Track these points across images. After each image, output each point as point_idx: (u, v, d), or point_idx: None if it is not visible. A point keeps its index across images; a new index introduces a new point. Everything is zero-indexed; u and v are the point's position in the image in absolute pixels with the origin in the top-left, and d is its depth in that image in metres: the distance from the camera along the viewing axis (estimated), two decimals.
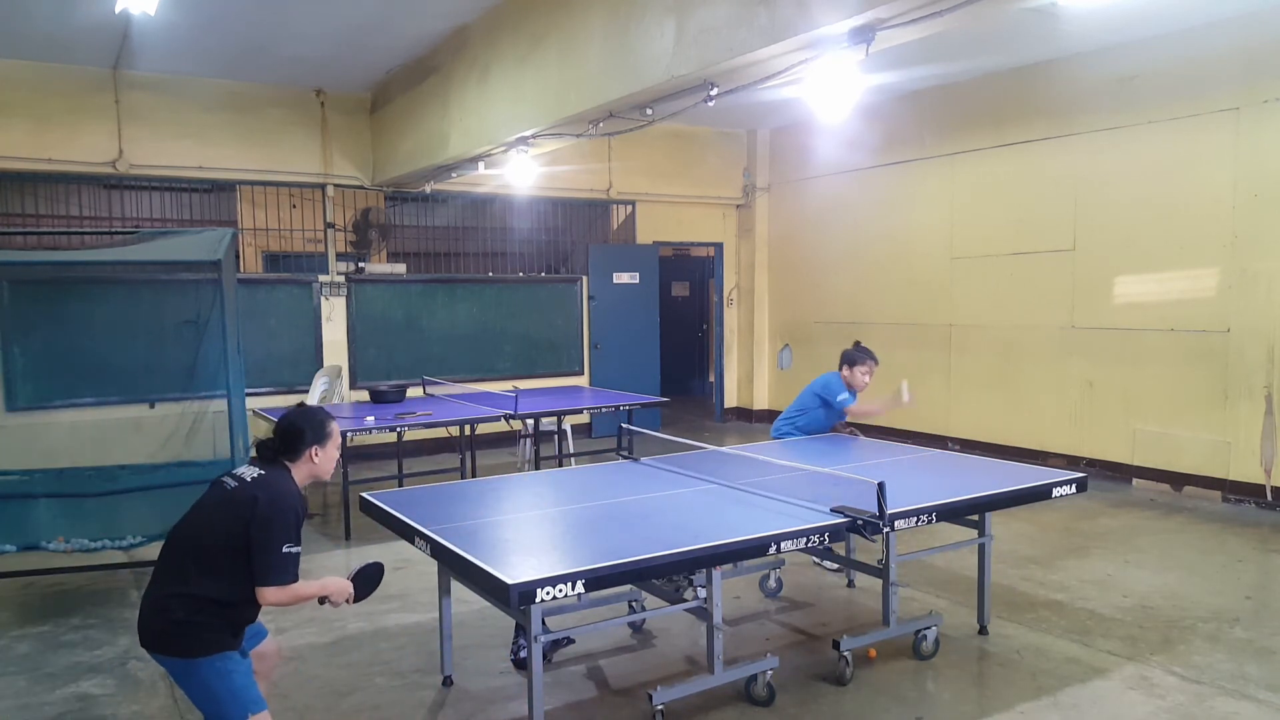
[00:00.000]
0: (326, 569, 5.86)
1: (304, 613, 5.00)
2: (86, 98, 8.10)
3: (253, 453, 2.96)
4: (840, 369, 5.70)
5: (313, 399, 8.35)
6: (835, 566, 5.55)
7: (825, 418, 5.76)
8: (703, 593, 3.77)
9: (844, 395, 5.63)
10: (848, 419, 5.92)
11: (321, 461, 3.04)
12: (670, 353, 12.39)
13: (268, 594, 2.77)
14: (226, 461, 5.61)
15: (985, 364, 8.92)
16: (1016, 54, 8.04)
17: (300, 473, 3.02)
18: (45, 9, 6.59)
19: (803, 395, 5.84)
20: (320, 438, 3.03)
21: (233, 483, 2.91)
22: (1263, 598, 5.08)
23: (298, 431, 3.00)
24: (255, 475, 2.91)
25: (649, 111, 5.73)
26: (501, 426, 7.98)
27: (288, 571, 2.78)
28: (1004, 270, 8.68)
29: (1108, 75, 7.70)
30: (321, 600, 2.98)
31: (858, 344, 5.83)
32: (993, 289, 8.80)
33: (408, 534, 3.66)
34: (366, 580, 3.07)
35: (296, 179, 9.14)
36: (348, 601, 3.01)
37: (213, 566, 2.77)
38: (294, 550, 2.80)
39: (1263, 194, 6.81)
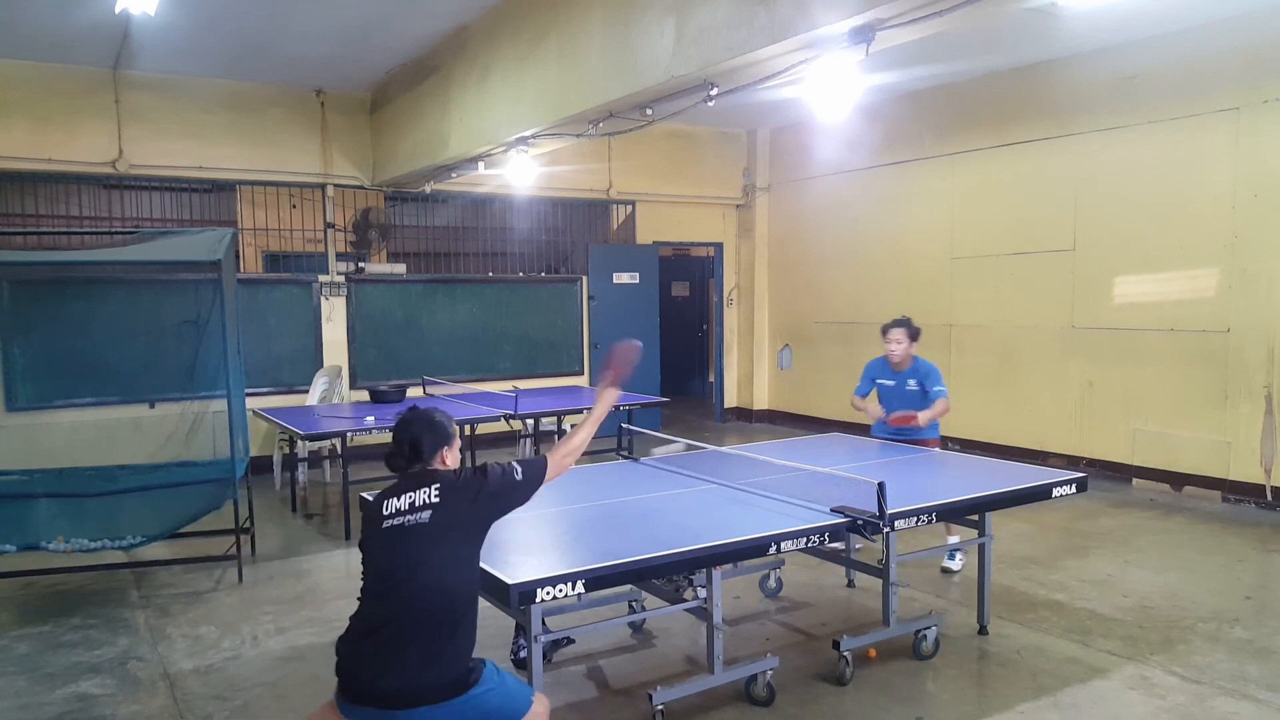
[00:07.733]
0: (326, 568, 5.87)
1: (304, 613, 5.00)
2: (86, 98, 8.10)
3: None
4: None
5: (312, 399, 8.36)
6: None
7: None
8: (703, 593, 3.77)
9: (862, 384, 5.70)
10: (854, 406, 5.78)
11: (451, 463, 2.92)
12: (670, 353, 12.37)
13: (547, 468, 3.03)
14: (226, 461, 5.63)
15: (985, 364, 8.92)
16: (1016, 54, 8.03)
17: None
18: (45, 9, 6.59)
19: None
20: (446, 439, 2.89)
21: (421, 515, 2.74)
22: (1263, 598, 5.08)
23: (416, 444, 2.85)
24: (435, 491, 2.77)
25: (649, 111, 5.73)
26: (501, 426, 7.97)
27: (534, 467, 2.99)
28: (1004, 270, 8.68)
29: (1108, 75, 7.70)
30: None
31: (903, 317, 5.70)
32: (993, 289, 8.80)
33: None
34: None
35: (296, 179, 9.14)
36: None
37: (463, 600, 2.80)
38: (517, 469, 2.94)
39: (1263, 194, 6.81)
